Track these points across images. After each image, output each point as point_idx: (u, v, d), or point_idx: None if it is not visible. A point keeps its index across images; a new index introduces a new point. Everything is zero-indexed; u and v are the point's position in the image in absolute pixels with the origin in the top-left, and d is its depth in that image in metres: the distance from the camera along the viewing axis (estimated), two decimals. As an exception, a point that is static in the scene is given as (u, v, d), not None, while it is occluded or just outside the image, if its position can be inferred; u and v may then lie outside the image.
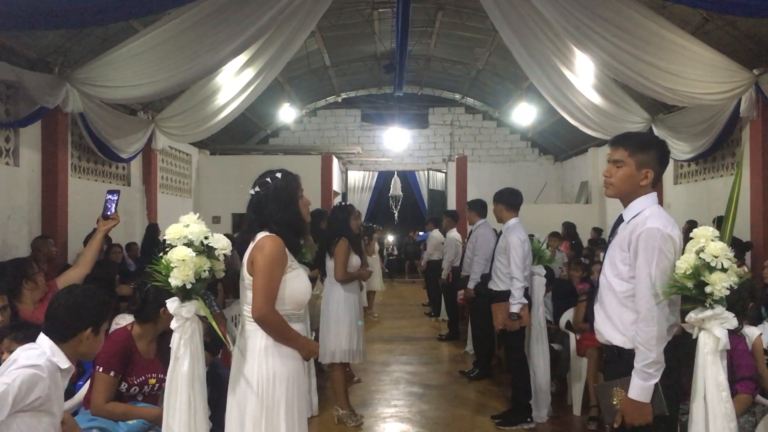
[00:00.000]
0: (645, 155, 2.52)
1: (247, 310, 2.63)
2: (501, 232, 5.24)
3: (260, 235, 2.64)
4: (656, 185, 2.57)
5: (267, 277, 2.54)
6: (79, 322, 2.43)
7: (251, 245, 2.65)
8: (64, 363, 2.37)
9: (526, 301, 4.91)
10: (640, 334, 2.38)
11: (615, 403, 2.46)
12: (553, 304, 6.25)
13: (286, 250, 2.63)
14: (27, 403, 2.20)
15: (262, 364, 2.55)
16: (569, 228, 10.17)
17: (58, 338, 2.39)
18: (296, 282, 2.65)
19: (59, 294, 2.52)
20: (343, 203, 5.80)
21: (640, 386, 2.36)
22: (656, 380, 2.36)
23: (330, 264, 5.18)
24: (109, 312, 2.61)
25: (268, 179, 2.71)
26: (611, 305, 2.54)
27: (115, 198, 3.64)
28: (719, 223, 2.77)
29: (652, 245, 2.39)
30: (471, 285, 6.58)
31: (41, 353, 2.32)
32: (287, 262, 2.62)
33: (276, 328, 2.57)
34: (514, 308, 4.85)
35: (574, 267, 6.52)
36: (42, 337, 2.40)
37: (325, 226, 5.73)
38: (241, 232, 2.78)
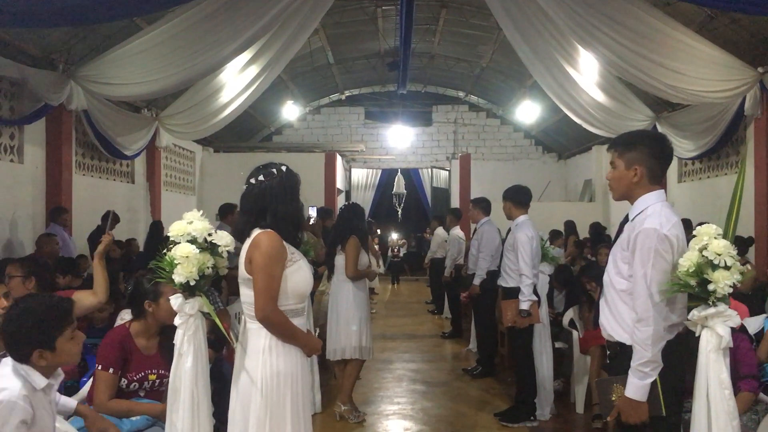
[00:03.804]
0: (632, 153, 2.54)
1: (247, 308, 2.57)
2: (510, 230, 5.24)
3: (255, 231, 2.58)
4: (659, 180, 2.56)
5: (267, 276, 2.48)
6: (44, 335, 2.27)
7: (247, 243, 2.59)
8: (41, 382, 2.27)
9: (536, 298, 4.91)
10: (636, 333, 2.39)
11: (614, 399, 2.47)
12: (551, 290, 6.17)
13: (284, 243, 2.57)
14: None
15: (266, 363, 2.49)
16: (570, 226, 10.15)
17: (23, 359, 2.27)
18: (298, 275, 2.59)
19: (13, 314, 2.30)
20: (353, 202, 5.78)
21: (636, 385, 2.38)
22: (652, 379, 2.36)
23: (339, 261, 5.16)
24: (72, 312, 2.41)
25: (274, 170, 2.64)
26: (614, 302, 2.55)
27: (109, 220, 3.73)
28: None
29: (648, 246, 2.39)
30: (477, 281, 6.60)
31: (7, 374, 2.23)
32: (287, 256, 2.56)
33: (280, 327, 2.52)
34: (524, 305, 4.85)
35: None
36: (9, 363, 2.27)
37: (330, 224, 5.73)
38: (238, 225, 2.68)
